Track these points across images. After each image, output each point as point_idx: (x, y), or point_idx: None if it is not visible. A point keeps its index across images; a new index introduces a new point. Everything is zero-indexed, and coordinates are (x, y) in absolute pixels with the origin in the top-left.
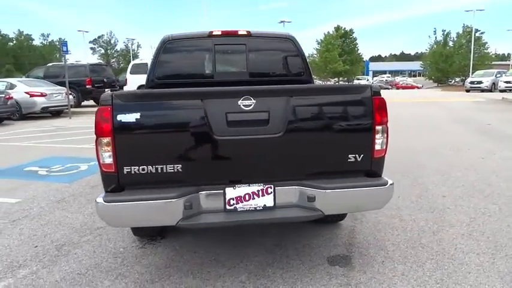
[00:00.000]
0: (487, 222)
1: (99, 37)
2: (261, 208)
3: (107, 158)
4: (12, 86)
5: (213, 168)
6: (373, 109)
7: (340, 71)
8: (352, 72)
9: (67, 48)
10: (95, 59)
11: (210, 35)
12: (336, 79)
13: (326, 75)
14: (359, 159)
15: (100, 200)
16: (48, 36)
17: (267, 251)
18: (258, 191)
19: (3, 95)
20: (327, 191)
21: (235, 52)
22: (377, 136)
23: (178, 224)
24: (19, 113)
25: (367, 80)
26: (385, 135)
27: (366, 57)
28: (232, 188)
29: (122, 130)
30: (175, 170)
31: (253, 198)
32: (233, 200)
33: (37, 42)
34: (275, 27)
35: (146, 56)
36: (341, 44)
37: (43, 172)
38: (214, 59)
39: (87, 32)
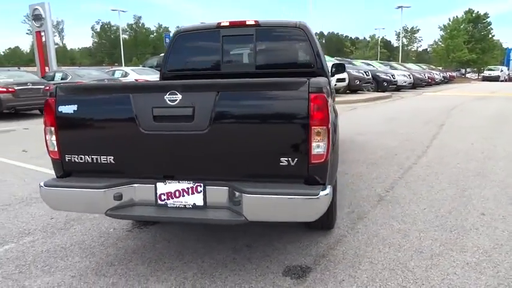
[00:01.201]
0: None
1: None
2: (190, 206)
3: (52, 145)
4: (126, 74)
5: (143, 162)
6: (309, 108)
7: (467, 60)
8: (484, 61)
9: None
10: None
11: (218, 27)
12: (459, 69)
13: (447, 65)
14: (292, 164)
15: (42, 183)
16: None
17: (234, 251)
18: (188, 188)
19: (43, 86)
20: (247, 195)
21: (243, 43)
22: (314, 139)
23: (107, 213)
24: None
25: (501, 70)
26: (326, 138)
27: (507, 45)
28: (163, 183)
29: (62, 120)
30: (109, 162)
31: (183, 196)
32: (164, 195)
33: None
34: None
35: None
36: (471, 29)
37: None
38: (222, 50)
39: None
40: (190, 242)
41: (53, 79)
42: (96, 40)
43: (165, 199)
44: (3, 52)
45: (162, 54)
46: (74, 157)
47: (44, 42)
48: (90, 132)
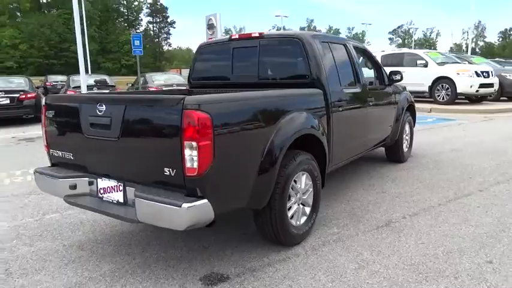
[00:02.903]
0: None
1: (398, 27)
2: (115, 202)
3: (44, 140)
4: None
5: (89, 160)
6: (182, 123)
7: None
8: None
9: None
10: (392, 48)
11: (230, 39)
12: None
13: None
14: (173, 174)
15: (35, 169)
16: (352, 30)
17: (177, 250)
18: (114, 186)
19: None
20: (136, 198)
21: (249, 55)
22: (187, 153)
23: (64, 198)
24: None
25: None
26: (199, 153)
27: None
28: (101, 180)
29: (47, 122)
30: (70, 158)
31: (112, 192)
32: (102, 189)
33: (343, 35)
34: None
35: (444, 45)
36: None
37: None
38: (232, 62)
39: (370, 24)
40: (158, 245)
41: None
42: None
43: (102, 193)
44: None
45: None
46: (54, 152)
47: None
48: (59, 132)
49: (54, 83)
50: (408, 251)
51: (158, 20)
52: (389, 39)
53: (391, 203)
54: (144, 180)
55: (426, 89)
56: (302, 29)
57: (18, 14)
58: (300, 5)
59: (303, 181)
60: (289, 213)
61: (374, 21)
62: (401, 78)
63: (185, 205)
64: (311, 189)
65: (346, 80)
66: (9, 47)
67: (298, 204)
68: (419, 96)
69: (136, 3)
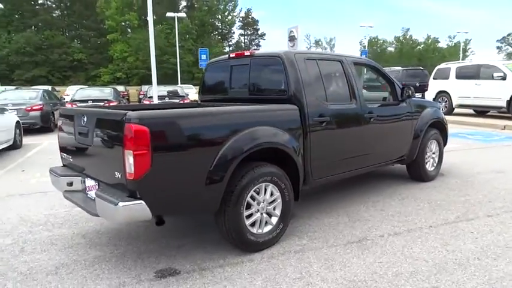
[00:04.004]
0: None
1: (508, 35)
2: (92, 198)
3: (58, 144)
4: None
5: (81, 162)
6: (122, 134)
7: None
8: None
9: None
10: (499, 59)
11: (229, 58)
12: None
13: None
14: (120, 178)
15: (49, 168)
16: (454, 38)
17: (155, 245)
18: (93, 185)
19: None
20: (95, 196)
21: (242, 72)
22: (126, 159)
23: (63, 194)
24: None
25: None
26: (135, 161)
27: None
28: (87, 179)
29: (59, 128)
30: (70, 160)
31: (91, 190)
32: (87, 187)
33: (443, 44)
34: None
35: None
36: None
37: None
38: (230, 78)
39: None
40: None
41: None
42: None
43: (87, 191)
44: None
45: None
46: (63, 154)
47: None
48: (64, 138)
49: (145, 92)
50: (359, 268)
51: (249, 33)
52: (498, 47)
53: (381, 220)
54: (107, 181)
55: (504, 103)
56: (397, 38)
57: (129, 30)
58: (398, 10)
59: (268, 192)
60: (249, 221)
61: (480, 27)
62: (413, 94)
63: (120, 204)
64: (279, 200)
65: (336, 96)
66: (119, 59)
67: (262, 214)
68: (495, 111)
69: (230, 17)
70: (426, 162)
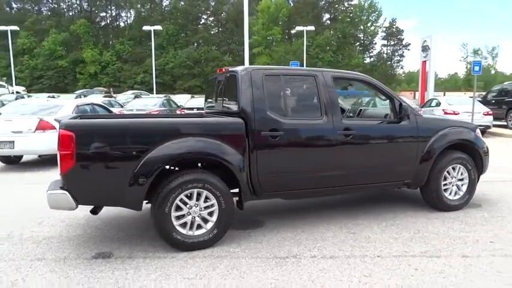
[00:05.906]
0: None
1: None
2: None
3: None
4: (438, 103)
5: None
6: (58, 138)
7: None
8: None
9: (480, 68)
10: None
11: (217, 72)
12: None
13: None
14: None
15: None
16: None
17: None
18: None
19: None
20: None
21: (222, 86)
22: (58, 157)
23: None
24: None
25: None
26: (61, 158)
27: None
28: None
29: None
30: None
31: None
32: None
33: None
34: None
35: None
36: None
37: None
38: (216, 92)
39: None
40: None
41: (429, 105)
42: None
43: None
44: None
45: (507, 83)
46: None
47: (427, 71)
48: None
49: None
50: (251, 279)
51: (392, 43)
52: None
53: (346, 242)
54: None
55: None
56: None
57: (274, 43)
58: None
59: (202, 198)
60: (179, 222)
61: None
62: (407, 111)
63: (48, 192)
64: (216, 206)
65: (299, 111)
66: None
67: (193, 217)
68: None
69: (372, 28)
70: (445, 190)
